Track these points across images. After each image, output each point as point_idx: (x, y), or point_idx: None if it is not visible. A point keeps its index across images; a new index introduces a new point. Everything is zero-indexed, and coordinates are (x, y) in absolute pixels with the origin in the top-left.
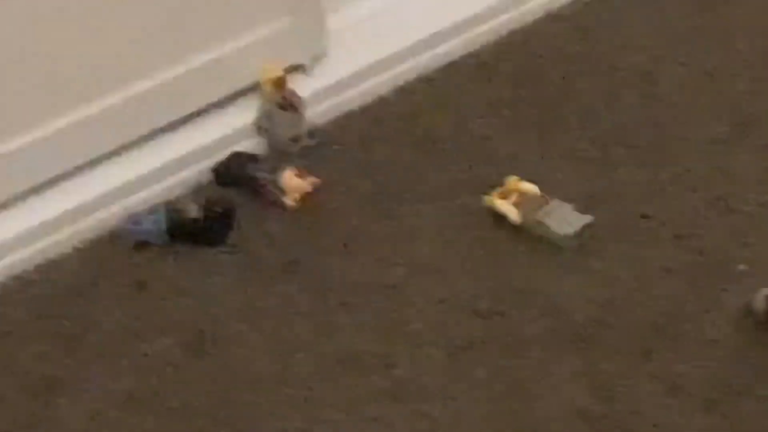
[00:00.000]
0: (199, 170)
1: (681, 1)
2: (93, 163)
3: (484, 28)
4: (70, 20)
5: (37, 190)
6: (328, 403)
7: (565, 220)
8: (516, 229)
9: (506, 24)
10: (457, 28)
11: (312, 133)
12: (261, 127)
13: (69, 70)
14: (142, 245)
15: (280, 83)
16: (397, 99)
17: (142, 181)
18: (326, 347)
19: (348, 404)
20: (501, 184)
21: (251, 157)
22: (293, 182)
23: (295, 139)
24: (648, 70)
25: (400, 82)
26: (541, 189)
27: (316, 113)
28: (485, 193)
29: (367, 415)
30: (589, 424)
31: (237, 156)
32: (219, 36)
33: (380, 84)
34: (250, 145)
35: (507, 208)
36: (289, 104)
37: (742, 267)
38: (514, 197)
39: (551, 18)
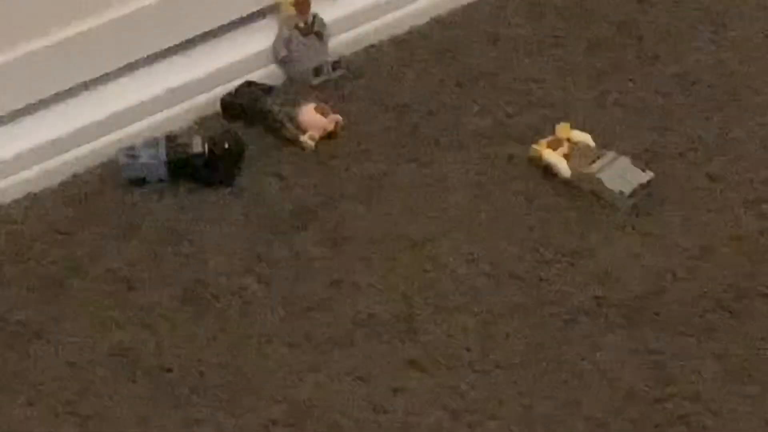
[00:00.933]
0: (206, 100)
1: None
2: (85, 87)
3: None
4: None
5: (17, 114)
6: (343, 371)
7: (621, 176)
8: (564, 184)
9: None
10: None
11: (336, 65)
12: (278, 54)
13: None
14: (137, 182)
15: (302, 5)
16: (434, 31)
17: (141, 110)
18: (343, 308)
19: (366, 373)
20: (549, 133)
21: (266, 89)
22: (313, 119)
23: (317, 71)
24: (721, 8)
25: (439, 12)
26: (594, 139)
27: (342, 42)
28: (531, 142)
29: (387, 385)
30: (639, 409)
31: (249, 86)
32: None
33: (416, 12)
34: (265, 74)
35: (555, 159)
36: (311, 30)
37: None
38: (563, 148)
39: None
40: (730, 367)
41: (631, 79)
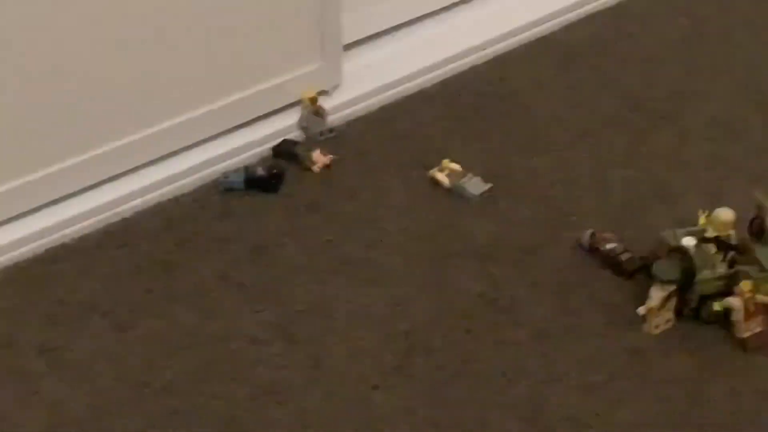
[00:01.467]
0: (266, 148)
1: (556, 61)
2: (204, 141)
3: (439, 72)
4: (165, 46)
5: (170, 155)
6: (334, 285)
7: (475, 186)
8: (446, 191)
9: (455, 70)
10: (426, 69)
11: (331, 130)
12: (301, 125)
13: (184, 80)
14: (229, 191)
15: (313, 100)
16: (383, 113)
17: (233, 153)
18: (335, 252)
19: (346, 287)
20: (439, 164)
21: (295, 142)
22: (318, 157)
23: (321, 134)
24: (534, 108)
25: (386, 103)
26: (463, 167)
27: (334, 119)
28: (430, 168)
29: (357, 293)
30: (485, 304)
31: (287, 141)
32: (281, 73)
33: (372, 104)
34: (295, 135)
35: (441, 177)
36: (318, 112)
37: (573, 218)
38: (446, 171)
39: (491, 64)
40: (531, 283)
41: (484, 135)
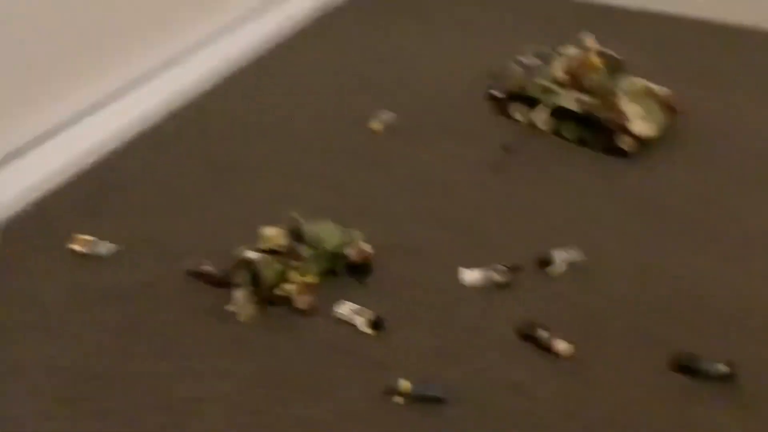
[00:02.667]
0: None
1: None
2: None
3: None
4: None
5: None
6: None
7: (107, 248)
8: (84, 255)
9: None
10: (57, 172)
11: None
12: None
13: None
14: None
15: None
16: (26, 212)
17: None
18: (18, 317)
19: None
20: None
21: None
22: None
23: None
24: (142, 188)
25: (29, 204)
26: (94, 237)
27: None
28: (68, 243)
29: (32, 348)
30: (122, 331)
31: None
32: None
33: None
34: None
35: (78, 248)
36: None
37: (186, 256)
38: (80, 242)
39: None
40: (163, 306)
41: (106, 214)
